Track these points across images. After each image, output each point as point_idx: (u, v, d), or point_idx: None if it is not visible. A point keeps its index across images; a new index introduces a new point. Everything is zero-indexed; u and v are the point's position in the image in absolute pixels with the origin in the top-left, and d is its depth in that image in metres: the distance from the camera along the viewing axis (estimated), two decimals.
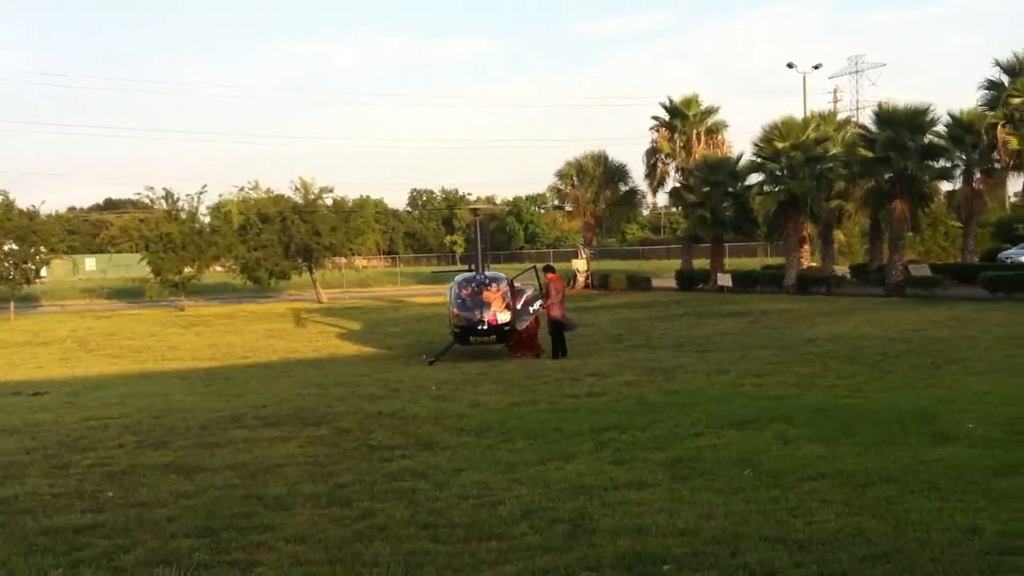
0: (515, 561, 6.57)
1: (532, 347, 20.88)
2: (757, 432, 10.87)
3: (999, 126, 35.01)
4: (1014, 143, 34.33)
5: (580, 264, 52.17)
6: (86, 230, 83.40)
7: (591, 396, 14.39)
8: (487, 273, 21.59)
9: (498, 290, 20.56)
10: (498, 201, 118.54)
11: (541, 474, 9.19)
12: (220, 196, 48.03)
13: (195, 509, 8.31)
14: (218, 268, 49.72)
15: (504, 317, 20.19)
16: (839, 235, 47.62)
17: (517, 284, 21.48)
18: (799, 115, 44.55)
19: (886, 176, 36.11)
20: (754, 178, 43.50)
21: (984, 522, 7.07)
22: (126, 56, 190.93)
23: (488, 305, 20.17)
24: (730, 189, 43.84)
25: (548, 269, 22.70)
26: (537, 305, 20.91)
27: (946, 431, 10.46)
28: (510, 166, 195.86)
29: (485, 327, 20.11)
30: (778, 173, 40.78)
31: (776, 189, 40.99)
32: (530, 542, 7.00)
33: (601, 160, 51.27)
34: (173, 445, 11.45)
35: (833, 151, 39.83)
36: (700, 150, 47.76)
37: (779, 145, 40.01)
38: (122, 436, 12.22)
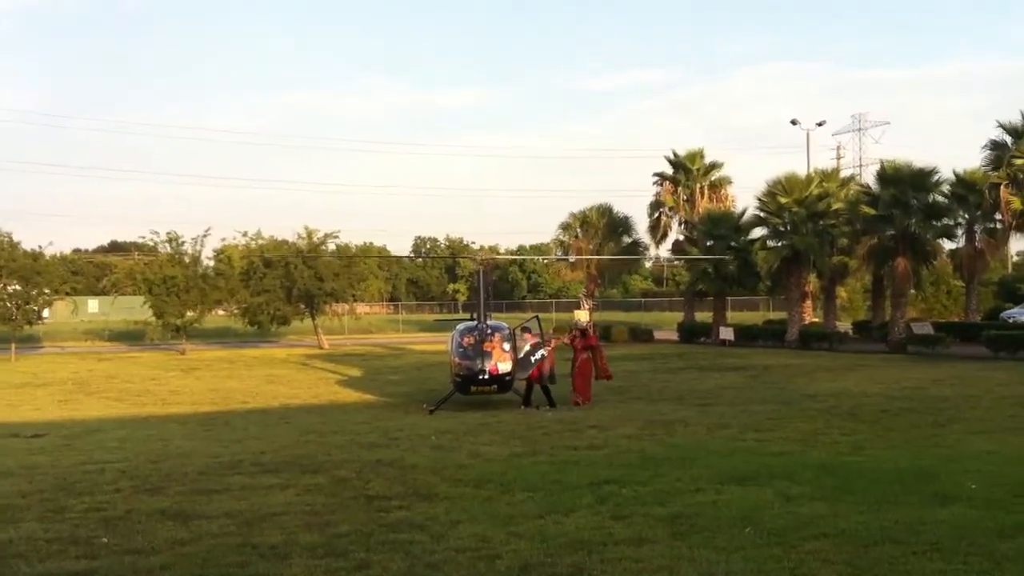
0: None
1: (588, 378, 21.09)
2: (758, 489, 10.79)
3: (1002, 186, 35.15)
4: (1017, 203, 34.49)
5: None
6: (90, 272, 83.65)
7: (592, 449, 14.31)
8: (489, 322, 21.54)
9: (500, 339, 20.50)
10: (502, 250, 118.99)
11: (540, 528, 9.10)
12: (223, 241, 48.23)
13: (190, 557, 8.24)
14: (220, 312, 49.69)
15: (505, 367, 20.12)
16: (841, 291, 47.65)
17: (531, 332, 21.44)
18: (802, 171, 44.89)
19: (889, 233, 36.27)
20: (757, 232, 43.77)
21: None
22: (131, 99, 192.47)
23: (490, 354, 20.11)
24: (733, 243, 43.95)
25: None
26: (540, 354, 20.82)
27: (949, 491, 10.38)
28: (514, 215, 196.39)
29: (486, 376, 20.04)
30: (781, 228, 40.97)
31: (779, 244, 41.15)
32: None
33: (605, 212, 51.45)
34: (170, 491, 11.37)
35: (836, 207, 40.02)
36: (704, 204, 48.01)
37: (782, 200, 40.23)
38: (119, 481, 12.14)
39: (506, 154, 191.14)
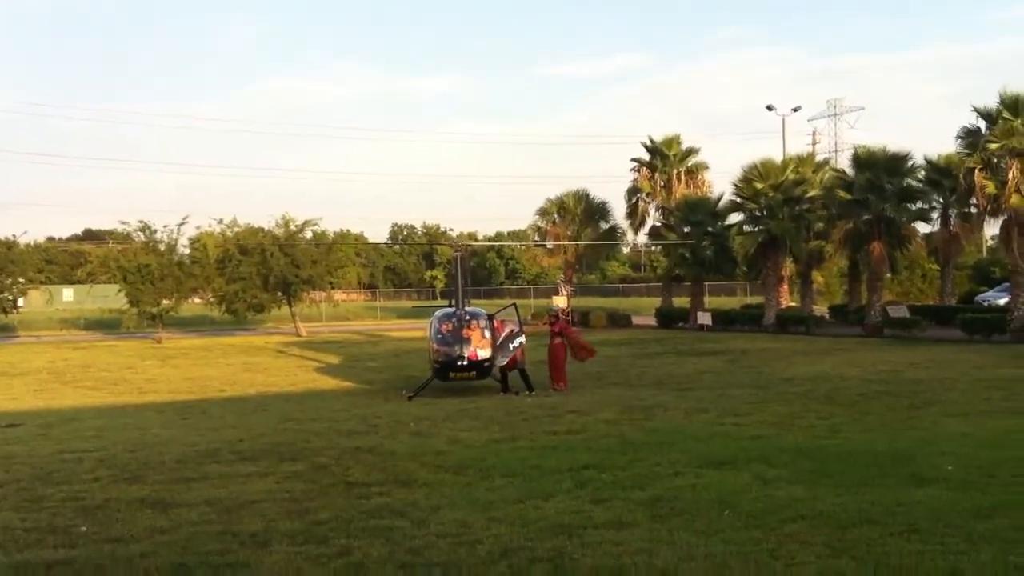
0: None
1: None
2: (736, 472, 10.86)
3: (976, 171, 35.32)
4: (991, 187, 34.59)
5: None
6: (64, 260, 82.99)
7: (571, 434, 14.35)
8: (467, 308, 21.55)
9: (478, 326, 20.51)
10: (480, 237, 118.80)
11: (520, 512, 9.13)
12: (198, 229, 47.89)
13: (170, 545, 8.21)
14: (196, 300, 49.40)
15: (484, 353, 20.15)
16: (818, 275, 47.87)
17: (500, 319, 21.47)
18: (778, 157, 44.99)
19: (864, 218, 36.45)
20: (734, 218, 43.89)
21: (965, 565, 7.08)
22: (106, 87, 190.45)
23: (468, 341, 20.12)
24: (710, 228, 44.05)
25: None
26: (518, 341, 20.86)
27: (925, 473, 10.48)
28: (497, 203, 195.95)
29: (465, 363, 20.05)
30: (758, 213, 41.11)
31: (756, 229, 41.30)
32: None
33: (582, 198, 51.41)
34: (148, 479, 11.33)
35: (812, 193, 40.20)
36: (680, 190, 48.03)
37: (758, 186, 40.36)
38: (97, 469, 12.08)
39: (487, 141, 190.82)
